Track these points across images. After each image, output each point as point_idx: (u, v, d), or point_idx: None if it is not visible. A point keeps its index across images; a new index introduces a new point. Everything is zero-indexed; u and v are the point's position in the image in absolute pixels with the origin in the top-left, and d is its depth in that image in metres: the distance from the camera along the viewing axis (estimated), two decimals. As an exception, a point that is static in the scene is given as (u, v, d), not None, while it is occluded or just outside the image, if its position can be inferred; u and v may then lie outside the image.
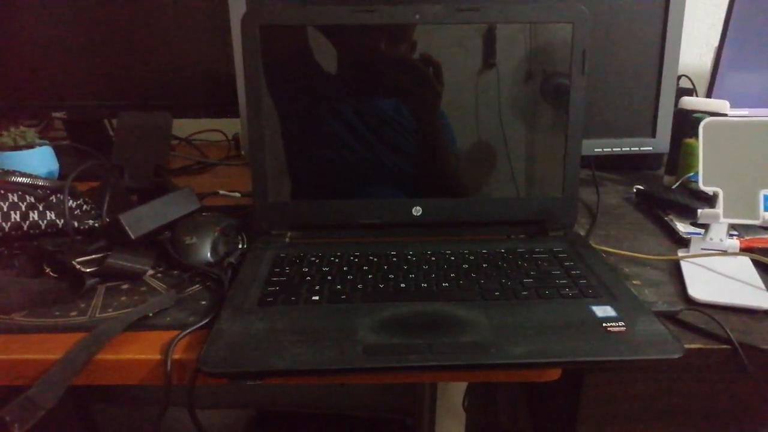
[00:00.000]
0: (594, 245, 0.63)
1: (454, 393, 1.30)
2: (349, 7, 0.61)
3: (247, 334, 0.46)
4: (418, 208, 0.65)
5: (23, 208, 0.60)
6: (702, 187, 0.59)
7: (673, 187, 0.78)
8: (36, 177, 0.63)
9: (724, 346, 0.47)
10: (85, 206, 0.65)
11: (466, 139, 0.64)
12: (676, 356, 0.43)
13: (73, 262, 0.55)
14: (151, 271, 0.59)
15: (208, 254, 0.59)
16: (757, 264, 0.58)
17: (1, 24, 0.88)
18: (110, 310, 0.52)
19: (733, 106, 0.79)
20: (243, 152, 1.04)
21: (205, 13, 0.88)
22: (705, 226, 0.61)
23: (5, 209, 0.59)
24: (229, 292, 0.52)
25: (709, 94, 0.95)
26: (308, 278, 0.55)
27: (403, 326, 0.47)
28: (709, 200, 0.60)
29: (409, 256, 0.59)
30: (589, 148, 0.81)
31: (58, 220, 0.61)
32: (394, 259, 0.59)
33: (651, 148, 0.82)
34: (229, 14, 0.78)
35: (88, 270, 0.55)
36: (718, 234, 0.60)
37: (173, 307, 0.52)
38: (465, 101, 0.63)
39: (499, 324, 0.47)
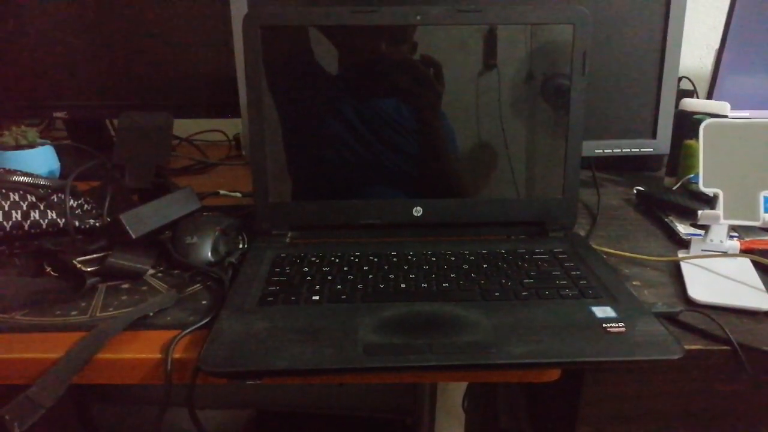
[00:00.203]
0: (594, 246, 0.63)
1: (453, 393, 1.30)
2: (350, 7, 0.61)
3: (248, 333, 0.46)
4: (419, 208, 0.65)
5: (24, 208, 0.60)
6: (702, 188, 0.59)
7: (674, 188, 0.78)
8: (37, 176, 0.63)
9: (724, 348, 0.47)
10: (86, 206, 0.66)
11: (467, 140, 0.64)
12: (676, 357, 0.43)
13: (74, 261, 0.55)
14: (151, 271, 0.59)
15: (209, 254, 0.59)
16: (757, 265, 0.58)
17: (2, 24, 0.88)
18: (111, 309, 0.52)
19: (733, 107, 0.79)
20: (244, 152, 1.04)
21: (207, 13, 0.88)
22: (705, 228, 0.61)
23: (6, 208, 0.59)
24: (230, 291, 0.53)
25: (709, 96, 0.95)
26: (308, 278, 0.55)
27: (403, 326, 0.47)
28: (710, 201, 0.60)
29: (409, 257, 0.59)
30: (589, 149, 0.81)
31: (59, 220, 0.62)
32: (395, 259, 0.59)
33: (651, 150, 0.82)
34: (231, 14, 0.79)
35: (88, 269, 0.55)
36: (719, 235, 0.60)
37: (173, 306, 0.52)
38: (466, 102, 0.63)
39: (499, 324, 0.47)
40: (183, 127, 1.09)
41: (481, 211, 0.65)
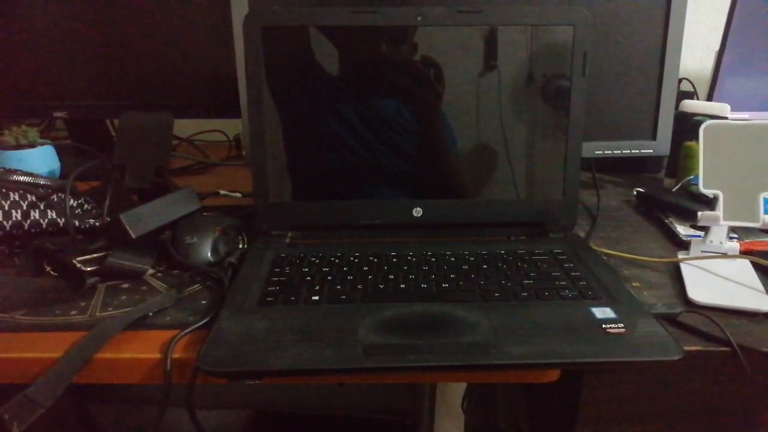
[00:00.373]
0: (594, 247, 0.63)
1: (453, 394, 1.30)
2: (351, 8, 0.61)
3: (247, 333, 0.46)
4: (419, 209, 0.65)
5: (24, 207, 0.60)
6: (702, 189, 0.59)
7: (674, 189, 0.78)
8: (37, 176, 0.63)
9: (724, 349, 0.47)
10: (86, 205, 0.66)
11: (467, 141, 0.64)
12: (676, 358, 0.43)
13: (74, 261, 0.55)
14: (151, 271, 0.59)
15: (209, 254, 0.59)
16: (756, 267, 0.58)
17: (3, 23, 0.88)
18: (110, 309, 0.52)
19: (733, 109, 0.79)
20: (244, 152, 1.04)
21: (207, 13, 0.88)
22: (705, 229, 0.61)
23: (6, 208, 0.59)
24: (229, 291, 0.53)
25: (709, 98, 0.95)
26: (308, 278, 0.55)
27: (402, 326, 0.47)
28: (709, 203, 0.60)
29: (409, 257, 0.59)
30: (589, 151, 0.81)
31: (59, 219, 0.62)
32: (394, 259, 0.59)
33: (651, 151, 0.82)
34: (231, 15, 0.79)
35: (88, 269, 0.55)
36: (718, 237, 0.60)
37: (173, 306, 0.52)
38: (466, 103, 0.63)
39: (498, 325, 0.47)
40: (183, 127, 1.09)
41: (481, 211, 0.65)
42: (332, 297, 0.52)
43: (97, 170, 0.68)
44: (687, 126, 0.79)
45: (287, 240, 0.64)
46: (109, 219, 0.62)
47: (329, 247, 0.62)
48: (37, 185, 0.62)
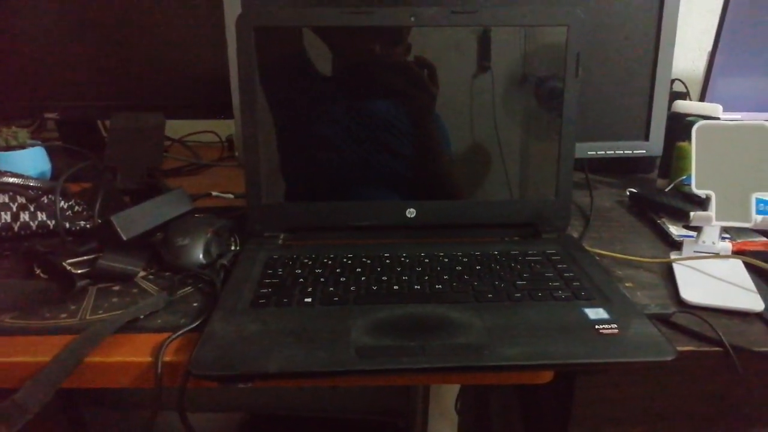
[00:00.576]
0: (587, 247, 0.63)
1: (446, 395, 1.30)
2: (344, 9, 0.61)
3: (239, 336, 0.45)
4: (412, 210, 0.65)
5: (14, 209, 0.59)
6: (695, 190, 0.59)
7: (666, 190, 0.79)
8: (27, 177, 0.62)
9: (716, 349, 0.47)
10: (76, 207, 0.65)
11: (461, 142, 0.64)
12: (669, 359, 0.43)
13: (64, 263, 0.54)
14: (142, 273, 0.58)
15: (201, 256, 0.59)
16: (748, 267, 0.58)
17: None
18: (101, 311, 0.51)
19: (725, 109, 0.79)
20: (236, 153, 1.03)
21: (200, 14, 0.87)
22: (697, 229, 0.61)
23: (-5, 210, 0.58)
24: (221, 293, 0.52)
25: (702, 98, 0.95)
26: (301, 280, 0.55)
27: (396, 328, 0.47)
28: (702, 203, 0.61)
29: (402, 258, 0.59)
30: (582, 151, 0.81)
31: (49, 221, 0.61)
32: (388, 261, 0.58)
33: (644, 152, 0.82)
34: (224, 15, 0.78)
35: (78, 271, 0.54)
36: (711, 237, 0.60)
37: (164, 309, 0.51)
38: (459, 104, 0.63)
39: (492, 326, 0.47)
40: (175, 128, 1.08)
41: (474, 212, 0.65)
42: (325, 299, 0.51)
43: (88, 172, 0.67)
44: (679, 126, 0.79)
45: (280, 241, 0.64)
46: (100, 221, 0.62)
47: (322, 249, 0.61)
48: (27, 187, 0.61)
